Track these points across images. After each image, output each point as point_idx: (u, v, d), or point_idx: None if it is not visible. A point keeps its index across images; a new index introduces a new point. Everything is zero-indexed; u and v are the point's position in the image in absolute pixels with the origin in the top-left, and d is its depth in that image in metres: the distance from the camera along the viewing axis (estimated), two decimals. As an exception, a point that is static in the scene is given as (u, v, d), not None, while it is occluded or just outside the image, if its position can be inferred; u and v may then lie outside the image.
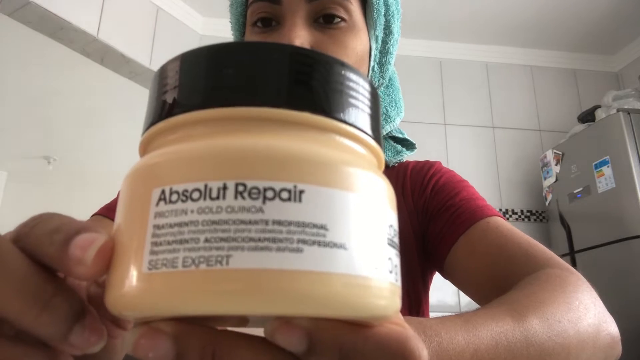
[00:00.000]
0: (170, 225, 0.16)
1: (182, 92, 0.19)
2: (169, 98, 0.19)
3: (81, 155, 4.63)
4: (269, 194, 0.16)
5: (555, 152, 2.43)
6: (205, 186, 0.16)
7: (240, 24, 0.57)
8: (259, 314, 0.17)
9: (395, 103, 0.66)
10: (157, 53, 2.39)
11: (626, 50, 2.84)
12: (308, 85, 0.18)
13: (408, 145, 0.67)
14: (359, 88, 0.20)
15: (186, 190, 0.16)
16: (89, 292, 0.22)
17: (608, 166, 2.11)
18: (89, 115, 3.80)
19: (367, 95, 0.20)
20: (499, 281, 0.48)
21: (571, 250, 2.29)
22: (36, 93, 3.50)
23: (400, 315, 0.21)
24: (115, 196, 0.58)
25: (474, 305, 0.48)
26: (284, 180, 0.16)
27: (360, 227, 0.17)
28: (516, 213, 2.62)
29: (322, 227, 0.16)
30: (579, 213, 2.27)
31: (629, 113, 2.11)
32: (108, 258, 0.18)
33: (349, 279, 0.16)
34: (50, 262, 0.18)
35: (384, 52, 0.60)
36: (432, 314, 0.69)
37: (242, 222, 0.16)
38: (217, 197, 0.16)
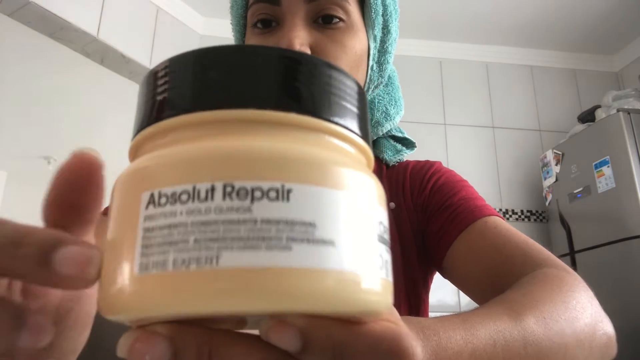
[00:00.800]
0: (160, 228, 0.16)
1: (170, 97, 0.19)
2: (157, 103, 0.19)
3: (81, 155, 4.64)
4: (257, 193, 0.16)
5: (555, 152, 2.43)
6: (194, 188, 0.16)
7: (241, 26, 0.58)
8: (250, 312, 0.17)
9: (395, 101, 0.66)
10: (157, 53, 2.39)
11: (626, 50, 2.84)
12: (294, 87, 0.18)
13: (408, 144, 0.67)
14: (346, 89, 0.20)
15: (175, 193, 0.16)
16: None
17: (608, 166, 2.11)
18: (89, 115, 3.80)
19: (355, 95, 0.20)
20: (496, 280, 0.48)
21: (571, 250, 2.29)
22: (36, 93, 3.50)
23: (395, 311, 0.20)
24: None
25: (474, 305, 0.48)
26: (271, 179, 0.16)
27: (349, 223, 0.17)
28: (516, 213, 2.62)
29: (311, 224, 0.16)
30: (579, 213, 2.27)
31: (629, 113, 2.11)
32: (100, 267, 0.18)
33: (340, 275, 0.16)
34: (12, 275, 0.17)
35: (383, 51, 0.59)
36: (432, 314, 0.69)
37: (231, 222, 0.16)
38: (206, 199, 0.16)
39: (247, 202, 0.16)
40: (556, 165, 2.41)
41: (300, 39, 0.49)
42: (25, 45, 2.87)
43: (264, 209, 0.16)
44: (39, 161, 5.31)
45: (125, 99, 3.44)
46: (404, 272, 0.58)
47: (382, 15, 0.57)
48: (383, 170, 0.64)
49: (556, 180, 2.41)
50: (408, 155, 0.67)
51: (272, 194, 0.16)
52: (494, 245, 0.50)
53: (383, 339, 0.18)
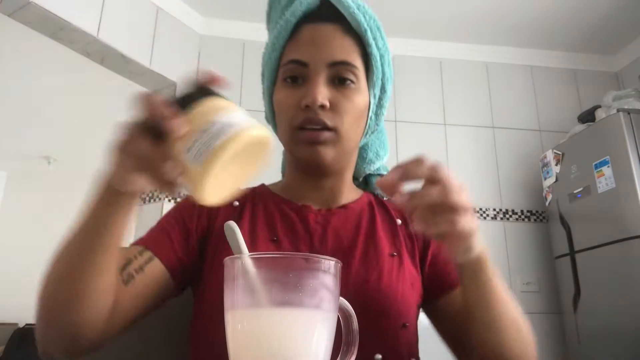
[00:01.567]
0: None
1: None
2: None
3: (81, 155, 4.63)
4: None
5: (555, 152, 2.43)
6: None
7: (273, 77, 0.73)
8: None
9: (384, 145, 0.82)
10: (157, 53, 2.39)
11: (626, 50, 2.84)
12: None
13: None
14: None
15: None
16: None
17: (608, 166, 2.11)
18: (89, 115, 3.81)
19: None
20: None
21: (571, 250, 2.29)
22: (36, 93, 3.50)
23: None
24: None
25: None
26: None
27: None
28: (516, 213, 2.62)
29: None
30: (579, 213, 2.27)
31: (629, 113, 2.11)
32: None
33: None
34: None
35: (379, 105, 0.75)
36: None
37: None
38: None
39: None
40: (556, 165, 2.41)
41: (322, 95, 0.65)
42: (25, 45, 2.87)
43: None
44: (39, 161, 5.29)
45: (125, 99, 3.43)
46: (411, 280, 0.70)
47: (381, 79, 0.73)
48: (380, 201, 0.80)
49: (556, 180, 2.41)
50: None
51: None
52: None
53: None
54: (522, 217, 2.63)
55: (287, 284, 0.40)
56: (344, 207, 0.75)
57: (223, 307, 0.43)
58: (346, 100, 0.67)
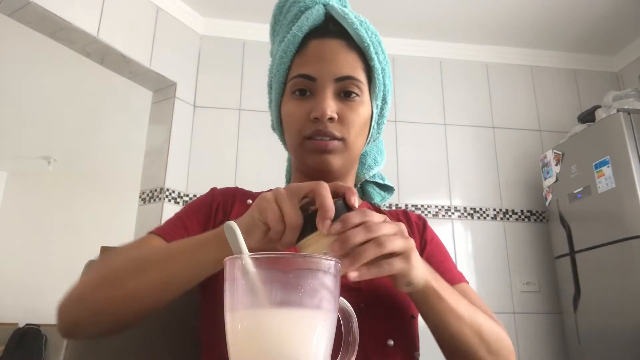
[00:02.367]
0: None
1: None
2: None
3: (81, 155, 4.64)
4: None
5: (555, 152, 2.43)
6: None
7: (281, 89, 0.77)
8: None
9: (381, 152, 0.87)
10: (157, 53, 2.39)
11: (626, 50, 2.84)
12: None
13: (387, 189, 0.88)
14: None
15: None
16: None
17: (608, 166, 2.11)
18: (89, 115, 3.81)
19: None
20: None
21: (571, 250, 2.29)
22: (36, 93, 3.50)
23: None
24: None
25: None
26: None
27: None
28: (516, 213, 2.63)
29: None
30: (579, 213, 2.27)
31: (629, 113, 2.11)
32: None
33: None
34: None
35: (381, 115, 0.80)
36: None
37: None
38: None
39: None
40: (556, 165, 2.41)
41: (330, 108, 0.70)
42: (25, 45, 2.87)
43: None
44: (39, 161, 5.29)
45: (125, 99, 3.44)
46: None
47: (383, 91, 0.78)
48: (378, 209, 0.86)
49: (556, 180, 2.41)
50: (389, 199, 0.91)
51: None
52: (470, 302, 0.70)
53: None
54: (522, 217, 2.63)
55: (287, 284, 0.40)
56: None
57: None
58: (352, 112, 0.72)
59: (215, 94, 2.57)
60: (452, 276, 0.75)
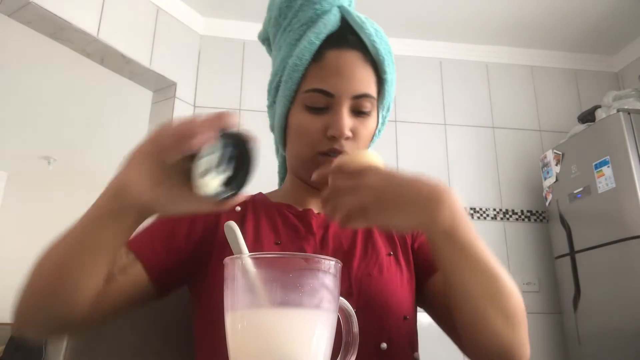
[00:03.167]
0: None
1: None
2: None
3: (81, 155, 4.63)
4: None
5: (555, 152, 2.43)
6: None
7: (291, 97, 0.75)
8: None
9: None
10: (157, 53, 2.39)
11: (626, 50, 2.84)
12: None
13: None
14: None
15: None
16: None
17: (608, 166, 2.11)
18: (89, 115, 3.80)
19: None
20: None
21: (571, 250, 2.29)
22: (36, 93, 3.50)
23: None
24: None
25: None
26: None
27: None
28: (516, 213, 2.62)
29: None
30: (579, 213, 2.27)
31: (629, 113, 2.11)
32: None
33: None
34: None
35: (383, 122, 0.83)
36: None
37: None
38: None
39: None
40: (556, 165, 2.41)
41: (348, 127, 0.71)
42: (25, 45, 2.87)
43: None
44: (39, 161, 5.28)
45: (125, 99, 3.44)
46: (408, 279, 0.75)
47: (388, 101, 0.81)
48: None
49: (556, 180, 2.41)
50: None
51: None
52: None
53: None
54: (522, 217, 2.63)
55: (287, 284, 0.40)
56: None
57: None
58: (364, 128, 0.74)
59: (215, 94, 2.57)
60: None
